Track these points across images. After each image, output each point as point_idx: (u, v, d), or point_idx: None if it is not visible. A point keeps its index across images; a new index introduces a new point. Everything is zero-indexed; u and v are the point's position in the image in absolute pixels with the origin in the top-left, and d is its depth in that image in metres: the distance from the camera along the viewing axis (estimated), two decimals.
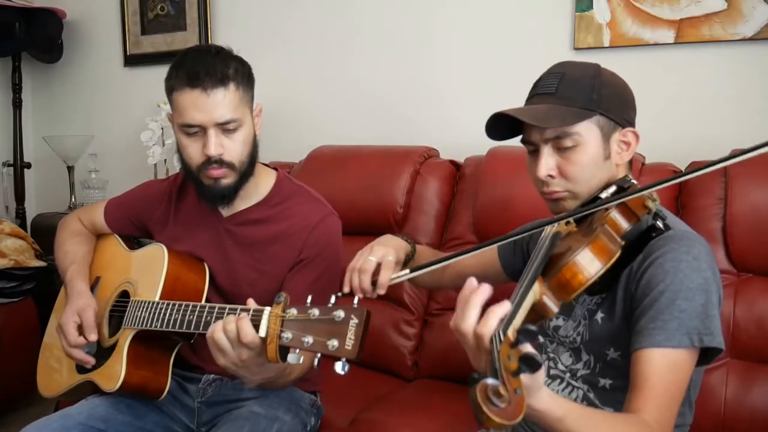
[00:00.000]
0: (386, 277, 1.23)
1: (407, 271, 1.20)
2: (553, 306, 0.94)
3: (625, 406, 1.01)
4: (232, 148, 1.37)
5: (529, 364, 0.76)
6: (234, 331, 1.11)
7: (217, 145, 1.35)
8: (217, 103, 1.33)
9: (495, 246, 1.45)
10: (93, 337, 1.42)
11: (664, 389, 0.99)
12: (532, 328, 0.78)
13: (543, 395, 0.86)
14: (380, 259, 1.26)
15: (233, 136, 1.37)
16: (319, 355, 1.01)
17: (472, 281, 0.91)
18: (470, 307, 0.88)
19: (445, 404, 1.66)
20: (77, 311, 1.44)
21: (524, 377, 0.77)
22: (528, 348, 0.78)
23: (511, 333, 0.79)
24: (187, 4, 2.79)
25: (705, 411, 1.42)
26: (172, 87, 1.37)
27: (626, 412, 1.00)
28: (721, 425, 1.51)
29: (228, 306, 1.21)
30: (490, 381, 0.74)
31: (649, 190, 1.04)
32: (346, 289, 1.26)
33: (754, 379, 1.53)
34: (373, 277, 1.24)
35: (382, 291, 1.24)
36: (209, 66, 1.34)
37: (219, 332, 1.13)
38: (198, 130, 1.36)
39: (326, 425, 1.60)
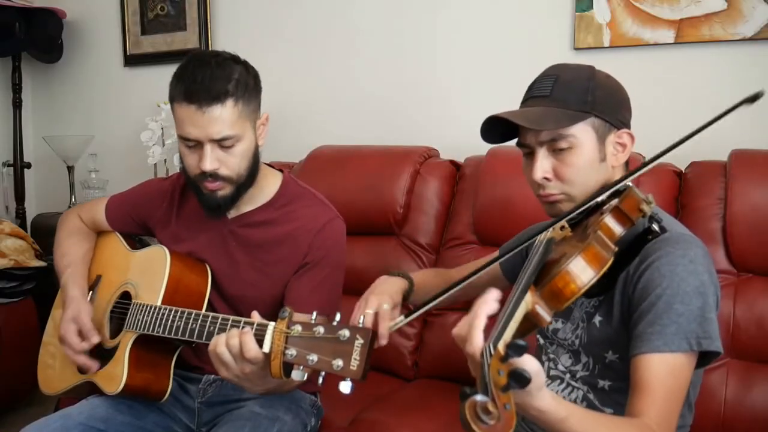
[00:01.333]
0: (384, 328, 1.20)
1: (402, 317, 1.18)
2: (546, 315, 0.93)
3: (627, 411, 1.01)
4: (229, 162, 1.36)
5: (519, 380, 0.75)
6: (237, 346, 1.10)
7: (213, 160, 1.34)
8: (213, 120, 1.31)
9: (496, 253, 1.45)
10: (95, 338, 1.42)
11: (665, 393, 0.99)
12: (522, 343, 0.77)
13: (545, 395, 0.86)
14: (377, 309, 1.24)
15: (231, 150, 1.35)
16: (323, 373, 1.01)
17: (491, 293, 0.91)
18: (471, 317, 0.88)
19: (445, 404, 1.66)
20: (72, 319, 1.44)
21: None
22: (518, 363, 0.77)
23: (501, 347, 0.78)
24: (187, 4, 2.79)
25: (705, 411, 1.42)
26: (172, 97, 1.36)
27: (628, 416, 1.00)
28: (721, 425, 1.51)
29: (231, 318, 1.20)
30: (479, 398, 0.73)
31: (630, 179, 1.05)
32: None
33: (754, 379, 1.53)
34: (373, 328, 1.21)
35: (384, 341, 1.21)
36: (207, 80, 1.30)
37: (222, 346, 1.12)
38: (195, 144, 1.35)
39: (326, 425, 1.61)
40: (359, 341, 0.99)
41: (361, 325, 1.01)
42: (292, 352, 1.02)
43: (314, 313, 1.06)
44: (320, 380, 1.02)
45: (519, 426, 1.23)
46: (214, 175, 1.35)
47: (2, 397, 2.44)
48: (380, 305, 1.24)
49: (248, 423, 1.34)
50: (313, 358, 1.00)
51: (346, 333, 1.00)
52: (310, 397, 1.54)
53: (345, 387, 0.98)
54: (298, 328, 1.03)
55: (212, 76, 1.31)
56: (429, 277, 1.48)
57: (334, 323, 1.03)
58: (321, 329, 1.02)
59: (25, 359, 1.85)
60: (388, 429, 1.57)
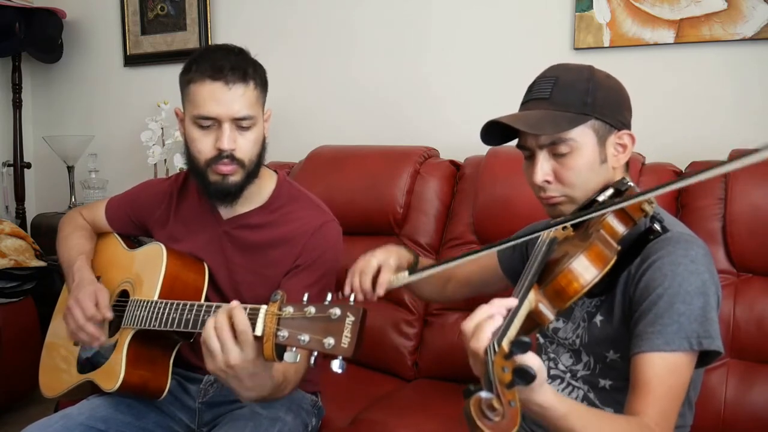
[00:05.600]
0: (385, 279, 1.24)
1: (406, 273, 1.19)
2: (549, 314, 0.93)
3: (626, 409, 1.01)
4: (244, 146, 1.37)
5: (523, 377, 0.75)
6: (225, 321, 1.05)
7: (231, 140, 1.35)
8: (237, 98, 1.34)
9: (494, 251, 1.46)
10: (109, 315, 1.39)
11: (665, 393, 0.99)
12: (526, 339, 0.77)
13: (547, 391, 0.86)
14: (381, 262, 1.27)
15: (246, 134, 1.37)
16: (315, 353, 1.00)
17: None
18: (481, 315, 0.88)
19: (445, 404, 1.66)
20: (93, 292, 1.41)
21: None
22: (522, 360, 0.78)
23: (505, 344, 0.79)
24: (187, 4, 2.79)
25: (705, 411, 1.42)
26: (190, 79, 1.37)
27: (627, 414, 1.00)
28: (721, 425, 1.51)
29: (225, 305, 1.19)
30: (484, 394, 0.73)
31: (647, 196, 1.03)
32: (347, 290, 1.27)
33: (754, 379, 1.53)
34: (373, 280, 1.25)
35: (381, 291, 1.25)
36: (233, 62, 1.35)
37: (209, 330, 1.06)
38: (212, 124, 1.36)
39: (327, 425, 1.61)
40: (350, 318, 0.98)
41: (352, 303, 1.01)
42: (284, 333, 1.01)
43: (306, 295, 1.05)
44: (312, 361, 1.00)
45: (520, 425, 1.23)
46: (229, 156, 1.36)
47: (2, 397, 2.44)
48: (386, 259, 1.28)
49: (249, 423, 1.34)
50: (305, 338, 0.99)
51: (337, 311, 0.99)
52: (311, 397, 1.54)
53: (336, 366, 0.97)
54: (290, 309, 1.03)
55: (237, 59, 1.37)
56: (429, 262, 1.50)
57: (325, 303, 1.02)
58: (312, 309, 1.01)
59: (25, 359, 1.85)
60: (388, 429, 1.57)
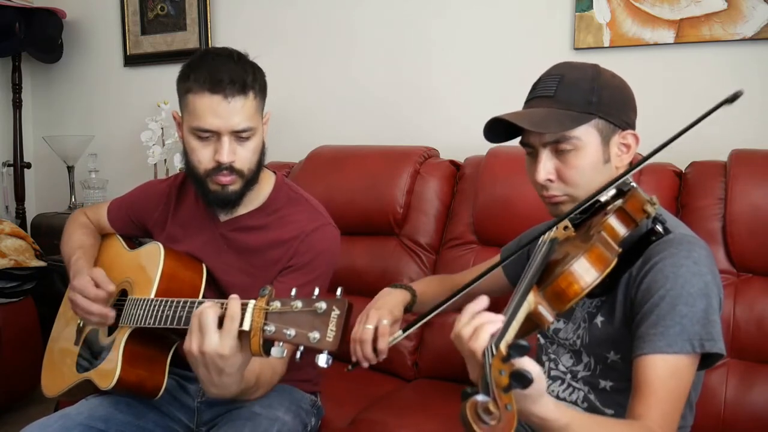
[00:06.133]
0: (383, 344, 1.24)
1: (400, 332, 1.21)
2: (548, 316, 0.93)
3: (629, 413, 1.01)
4: (243, 156, 1.37)
5: (520, 380, 0.75)
6: (217, 307, 1.07)
7: (230, 152, 1.35)
8: (236, 110, 1.33)
9: (497, 257, 1.45)
10: (111, 287, 1.39)
11: (667, 395, 0.99)
12: (524, 343, 0.77)
13: (547, 402, 0.86)
14: (377, 325, 1.26)
15: (246, 144, 1.36)
16: (302, 348, 1.00)
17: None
18: (468, 317, 0.89)
19: (445, 404, 1.66)
20: (89, 274, 1.40)
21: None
22: (520, 363, 0.77)
23: (503, 347, 0.78)
24: (187, 4, 2.79)
25: (705, 411, 1.42)
26: (188, 88, 1.35)
27: (629, 418, 1.00)
28: (721, 425, 1.51)
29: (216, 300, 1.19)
30: (480, 398, 0.73)
31: (629, 174, 1.05)
32: (354, 359, 1.28)
33: (754, 379, 1.53)
34: (373, 344, 1.25)
35: (383, 356, 1.25)
36: (232, 72, 1.33)
37: (204, 307, 1.07)
38: (211, 136, 1.35)
39: (326, 425, 1.60)
40: (335, 312, 0.98)
41: (339, 297, 1.01)
42: (270, 328, 1.01)
43: (294, 290, 1.05)
44: (298, 355, 1.00)
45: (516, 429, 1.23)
46: (229, 168, 1.36)
47: (2, 397, 2.44)
48: (379, 320, 1.26)
49: (248, 423, 1.34)
50: (291, 332, 0.99)
51: (322, 305, 0.99)
52: (310, 397, 1.54)
53: (322, 360, 0.97)
54: (277, 304, 1.03)
55: (236, 69, 1.34)
56: (433, 285, 1.49)
57: (313, 297, 1.02)
58: (299, 303, 1.01)
59: (25, 359, 1.85)
60: (388, 429, 1.57)
